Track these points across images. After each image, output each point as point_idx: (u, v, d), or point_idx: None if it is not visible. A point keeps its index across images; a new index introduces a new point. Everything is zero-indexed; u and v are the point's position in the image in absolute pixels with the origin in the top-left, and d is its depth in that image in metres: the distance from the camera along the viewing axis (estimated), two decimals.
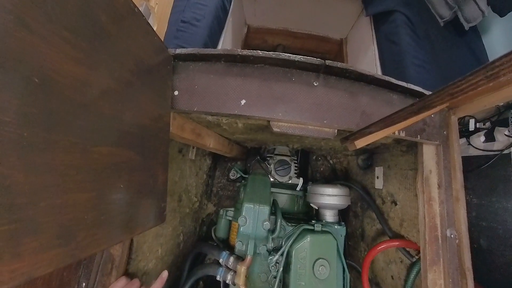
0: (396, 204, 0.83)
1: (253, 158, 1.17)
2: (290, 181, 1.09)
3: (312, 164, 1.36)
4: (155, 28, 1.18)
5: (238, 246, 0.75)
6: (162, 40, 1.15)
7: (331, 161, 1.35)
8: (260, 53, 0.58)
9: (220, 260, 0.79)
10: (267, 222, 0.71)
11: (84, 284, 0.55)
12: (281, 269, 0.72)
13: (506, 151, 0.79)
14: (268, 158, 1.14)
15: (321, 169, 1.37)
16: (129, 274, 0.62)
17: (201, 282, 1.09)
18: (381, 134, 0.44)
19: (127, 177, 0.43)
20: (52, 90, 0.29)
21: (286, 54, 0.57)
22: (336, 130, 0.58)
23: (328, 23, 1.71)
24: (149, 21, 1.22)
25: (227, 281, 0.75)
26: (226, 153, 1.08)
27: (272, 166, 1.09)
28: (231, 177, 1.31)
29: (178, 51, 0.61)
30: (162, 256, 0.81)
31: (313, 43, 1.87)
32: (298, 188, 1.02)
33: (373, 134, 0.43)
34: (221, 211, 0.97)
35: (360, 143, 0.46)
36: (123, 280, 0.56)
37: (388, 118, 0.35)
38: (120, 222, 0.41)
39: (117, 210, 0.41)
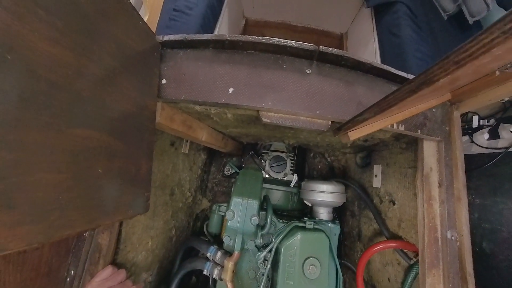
0: (394, 204, 0.79)
1: (248, 153, 1.14)
2: (285, 178, 1.06)
3: (309, 162, 1.33)
4: (146, 18, 1.15)
5: (226, 241, 0.72)
6: (155, 30, 1.11)
7: (328, 159, 1.31)
8: (249, 38, 0.54)
9: (208, 255, 0.77)
10: (255, 217, 0.68)
11: (72, 272, 0.55)
12: (269, 266, 0.69)
13: (511, 149, 0.75)
14: (264, 154, 1.11)
15: (319, 166, 1.33)
16: (117, 264, 0.61)
17: (193, 277, 1.06)
18: (377, 126, 0.40)
19: (106, 162, 0.42)
20: (25, 68, 0.29)
21: (277, 39, 0.53)
22: (330, 122, 0.54)
23: (328, 16, 1.66)
24: (140, 11, 1.19)
25: (214, 276, 0.73)
26: (220, 148, 1.06)
27: (267, 162, 1.06)
28: (226, 173, 1.29)
29: (166, 38, 0.58)
30: (152, 249, 0.80)
31: (313, 37, 1.82)
32: (292, 185, 0.98)
33: (368, 125, 0.38)
34: (214, 206, 0.95)
35: (354, 134, 0.42)
36: (109, 269, 0.55)
37: (383, 101, 0.31)
38: (98, 207, 0.41)
39: (95, 194, 0.40)
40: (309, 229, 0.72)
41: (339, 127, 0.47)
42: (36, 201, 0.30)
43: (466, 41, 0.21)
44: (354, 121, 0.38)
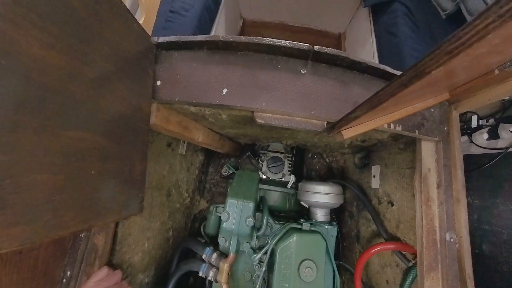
0: (392, 205, 0.78)
1: (246, 154, 1.13)
2: (283, 179, 1.05)
3: (307, 162, 1.32)
4: (142, 19, 1.14)
5: (221, 243, 0.72)
6: (151, 31, 1.10)
7: (327, 160, 1.30)
8: (243, 38, 0.54)
9: (204, 256, 0.77)
10: (250, 219, 0.67)
11: (69, 272, 0.56)
12: (264, 268, 0.68)
13: (511, 149, 0.74)
14: (261, 155, 1.10)
15: (317, 167, 1.32)
16: (113, 265, 0.61)
17: (191, 279, 1.06)
18: (372, 125, 0.39)
19: (99, 163, 0.43)
20: (20, 73, 0.29)
21: (271, 39, 0.53)
22: (325, 122, 0.53)
23: (326, 16, 1.66)
24: (136, 12, 1.18)
25: (209, 278, 0.73)
26: (217, 149, 1.05)
27: (265, 162, 1.05)
28: (223, 174, 1.29)
29: (161, 39, 0.58)
30: (149, 249, 0.80)
31: (311, 37, 1.82)
32: (289, 185, 0.97)
33: (363, 124, 0.37)
34: (211, 207, 0.94)
35: (348, 133, 0.41)
36: (105, 270, 0.55)
37: (374, 96, 0.30)
38: (91, 208, 0.41)
39: (88, 195, 0.41)
40: (305, 231, 0.71)
41: (332, 126, 0.46)
42: (29, 202, 0.31)
43: (459, 29, 0.20)
44: (347, 119, 0.37)
